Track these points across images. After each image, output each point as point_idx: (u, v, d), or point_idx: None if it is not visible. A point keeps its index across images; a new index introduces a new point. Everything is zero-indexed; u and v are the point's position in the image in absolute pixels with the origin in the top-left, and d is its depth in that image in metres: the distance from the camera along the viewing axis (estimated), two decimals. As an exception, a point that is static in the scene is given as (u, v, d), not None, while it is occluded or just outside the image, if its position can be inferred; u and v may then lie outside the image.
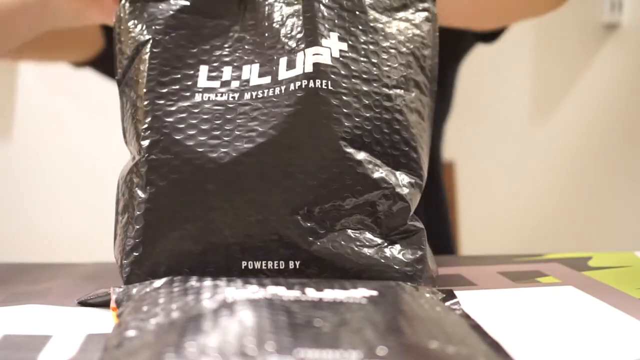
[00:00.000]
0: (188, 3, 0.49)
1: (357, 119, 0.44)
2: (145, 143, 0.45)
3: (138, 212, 0.44)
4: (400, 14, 0.50)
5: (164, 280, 0.40)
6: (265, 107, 0.45)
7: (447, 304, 0.40)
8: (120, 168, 0.48)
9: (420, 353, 0.29)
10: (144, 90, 0.46)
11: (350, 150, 0.44)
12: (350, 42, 0.47)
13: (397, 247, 0.45)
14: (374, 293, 0.37)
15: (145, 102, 0.46)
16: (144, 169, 0.44)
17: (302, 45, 0.46)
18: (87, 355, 0.34)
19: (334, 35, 0.47)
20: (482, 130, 1.72)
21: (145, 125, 0.45)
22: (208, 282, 0.38)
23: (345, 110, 0.44)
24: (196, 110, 0.45)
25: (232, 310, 0.32)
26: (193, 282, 0.39)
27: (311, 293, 0.36)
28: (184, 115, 0.45)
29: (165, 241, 0.43)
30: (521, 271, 0.53)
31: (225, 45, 0.48)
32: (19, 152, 1.74)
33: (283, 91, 0.45)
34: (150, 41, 0.48)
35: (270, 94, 0.45)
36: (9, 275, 0.54)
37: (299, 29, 0.47)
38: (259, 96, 0.45)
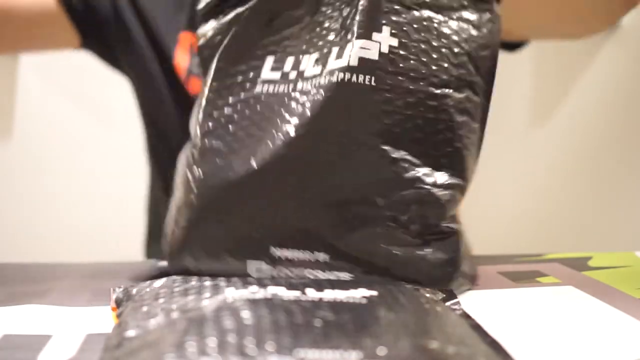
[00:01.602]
0: None
1: (397, 117, 0.44)
2: (202, 130, 0.47)
3: (191, 196, 0.46)
4: (459, 14, 0.48)
5: (164, 280, 0.40)
6: (308, 98, 0.44)
7: (447, 304, 0.40)
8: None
9: (420, 353, 0.29)
10: (210, 79, 0.49)
11: (386, 147, 0.43)
12: (401, 39, 0.45)
13: (429, 248, 0.44)
14: (374, 293, 0.37)
15: (211, 92, 0.48)
16: (197, 153, 0.46)
17: (353, 37, 0.45)
18: (87, 355, 0.34)
19: (387, 30, 0.45)
20: (482, 130, 1.72)
21: (206, 113, 0.47)
22: (208, 282, 0.38)
23: (385, 108, 0.43)
24: (252, 102, 0.47)
25: (232, 310, 0.32)
26: (193, 282, 0.39)
27: (311, 293, 0.36)
28: (240, 106, 0.47)
29: (205, 228, 0.45)
30: (521, 271, 0.53)
31: (292, 36, 0.48)
32: (19, 152, 1.74)
33: (327, 82, 0.44)
34: (224, 33, 0.49)
35: (316, 83, 0.45)
36: (9, 275, 0.54)
37: (354, 19, 0.46)
38: (306, 88, 0.45)
